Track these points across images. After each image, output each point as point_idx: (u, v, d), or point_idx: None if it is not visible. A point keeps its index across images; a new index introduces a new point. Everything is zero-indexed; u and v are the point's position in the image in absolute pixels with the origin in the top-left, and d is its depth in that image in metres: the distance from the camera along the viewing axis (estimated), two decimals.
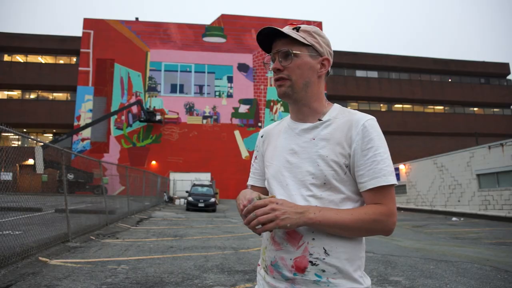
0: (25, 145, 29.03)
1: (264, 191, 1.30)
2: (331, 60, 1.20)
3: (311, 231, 1.07)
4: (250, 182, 1.37)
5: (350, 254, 1.07)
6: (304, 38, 1.15)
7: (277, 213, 1.01)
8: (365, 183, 1.07)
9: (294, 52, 1.14)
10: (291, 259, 1.08)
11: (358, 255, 1.09)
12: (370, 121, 1.11)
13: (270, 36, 1.18)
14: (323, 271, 1.05)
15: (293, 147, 1.17)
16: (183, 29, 33.33)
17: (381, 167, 1.06)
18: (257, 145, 1.37)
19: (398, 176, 24.16)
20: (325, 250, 1.06)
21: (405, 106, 37.52)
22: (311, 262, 1.05)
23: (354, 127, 1.10)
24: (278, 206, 1.02)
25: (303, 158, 1.14)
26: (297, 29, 1.16)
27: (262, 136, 1.35)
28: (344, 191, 1.10)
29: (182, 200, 23.29)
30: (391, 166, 1.08)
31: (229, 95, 32.63)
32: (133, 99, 31.08)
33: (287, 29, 1.16)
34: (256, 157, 1.36)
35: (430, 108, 38.12)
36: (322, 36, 1.19)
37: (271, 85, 32.68)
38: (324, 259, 1.05)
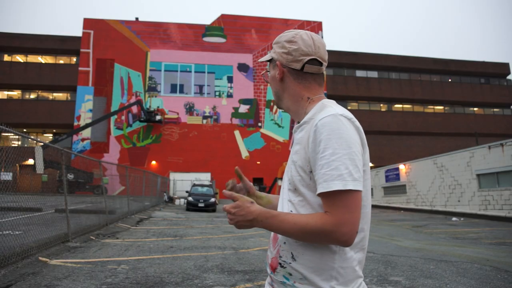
0: (25, 145, 29.02)
1: None
2: (288, 56, 1.16)
3: None
4: None
5: (317, 263, 1.02)
6: (269, 56, 1.25)
7: (233, 222, 1.09)
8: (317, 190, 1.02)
9: (266, 70, 1.29)
10: (270, 258, 1.15)
11: (329, 265, 1.02)
12: (325, 119, 1.00)
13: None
14: (290, 274, 1.07)
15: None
16: (183, 29, 33.33)
17: (324, 171, 0.96)
18: None
19: (398, 176, 24.14)
20: (293, 255, 1.06)
21: (405, 106, 37.53)
22: (280, 264, 1.10)
23: (312, 129, 1.03)
24: (233, 216, 1.08)
25: (288, 163, 1.19)
26: None
27: None
28: (310, 197, 1.05)
29: (182, 200, 23.30)
30: (337, 169, 0.95)
31: (229, 95, 32.63)
32: (133, 99, 31.09)
33: (263, 58, 1.27)
34: None
35: (430, 108, 38.13)
36: (278, 41, 1.21)
37: None
38: (290, 263, 1.07)
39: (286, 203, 1.13)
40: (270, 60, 1.26)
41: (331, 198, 0.96)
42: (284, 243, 1.09)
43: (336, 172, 0.95)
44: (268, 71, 1.28)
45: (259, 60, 1.34)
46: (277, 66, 1.18)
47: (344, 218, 0.94)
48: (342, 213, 0.94)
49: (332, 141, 0.97)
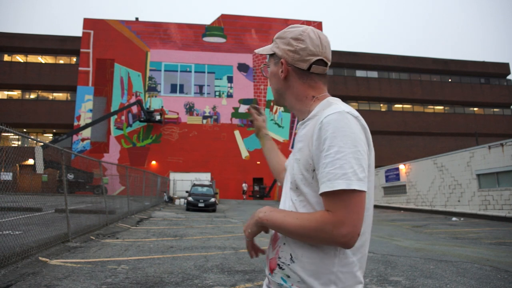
0: (25, 145, 29.02)
1: None
2: (295, 54, 1.12)
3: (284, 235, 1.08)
4: None
5: (316, 266, 0.99)
6: (270, 49, 1.20)
7: (245, 231, 1.14)
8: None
9: (265, 64, 1.21)
10: (268, 259, 1.13)
11: (328, 269, 0.98)
12: (331, 116, 0.97)
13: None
14: (288, 276, 1.04)
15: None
16: (183, 29, 33.33)
17: (328, 170, 0.93)
18: None
19: (398, 176, 24.13)
20: (291, 257, 1.03)
21: (405, 106, 37.53)
22: (278, 265, 1.07)
23: (316, 126, 1.00)
24: (245, 227, 1.15)
25: (290, 162, 1.16)
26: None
27: None
28: (312, 196, 1.01)
29: (182, 200, 23.29)
30: (342, 168, 0.91)
31: (229, 95, 32.63)
32: (133, 99, 31.09)
33: (261, 49, 1.22)
34: None
35: (430, 108, 38.12)
36: (282, 37, 1.15)
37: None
38: (289, 265, 1.03)
39: (288, 202, 1.10)
40: (271, 55, 1.20)
41: (334, 197, 0.92)
42: (284, 243, 1.06)
43: (340, 171, 0.91)
44: (268, 66, 1.22)
45: (256, 51, 1.22)
46: (282, 64, 1.13)
47: (345, 218, 0.90)
48: (343, 213, 0.90)
49: (337, 139, 0.93)
